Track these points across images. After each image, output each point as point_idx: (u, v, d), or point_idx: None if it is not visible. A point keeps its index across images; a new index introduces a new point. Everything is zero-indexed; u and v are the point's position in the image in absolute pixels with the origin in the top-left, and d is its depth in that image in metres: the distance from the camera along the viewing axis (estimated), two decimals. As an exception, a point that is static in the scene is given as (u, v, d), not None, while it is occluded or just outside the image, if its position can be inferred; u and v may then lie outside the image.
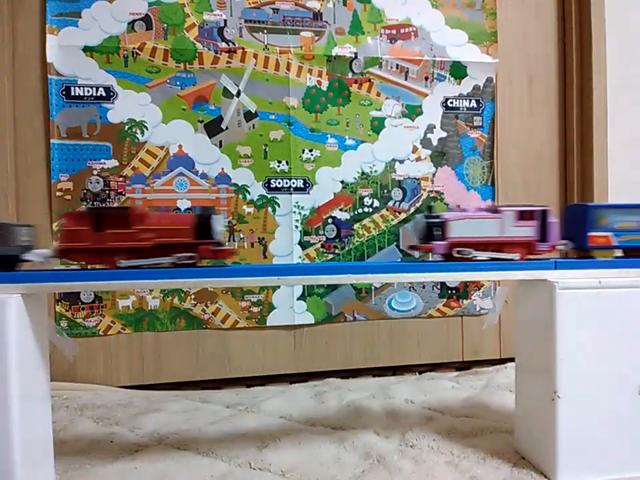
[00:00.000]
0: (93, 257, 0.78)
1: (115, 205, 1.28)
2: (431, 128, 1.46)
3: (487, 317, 1.49)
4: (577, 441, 0.83)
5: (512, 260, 0.86)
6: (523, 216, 0.86)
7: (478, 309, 1.48)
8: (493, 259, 0.87)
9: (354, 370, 1.43)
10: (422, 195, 1.46)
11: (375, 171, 1.43)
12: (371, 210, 1.42)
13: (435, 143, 1.46)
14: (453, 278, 0.84)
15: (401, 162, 1.44)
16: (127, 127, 1.30)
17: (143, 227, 0.78)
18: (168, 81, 1.32)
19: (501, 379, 1.33)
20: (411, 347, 1.45)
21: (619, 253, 0.92)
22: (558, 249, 0.90)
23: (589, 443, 0.83)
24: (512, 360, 0.96)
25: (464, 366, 1.49)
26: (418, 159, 1.45)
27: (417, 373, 1.46)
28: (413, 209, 1.45)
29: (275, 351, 1.38)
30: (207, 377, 1.35)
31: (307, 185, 1.38)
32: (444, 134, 1.47)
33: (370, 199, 1.43)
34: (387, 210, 1.44)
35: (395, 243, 1.44)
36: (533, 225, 0.86)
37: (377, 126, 1.43)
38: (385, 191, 1.43)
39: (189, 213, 0.85)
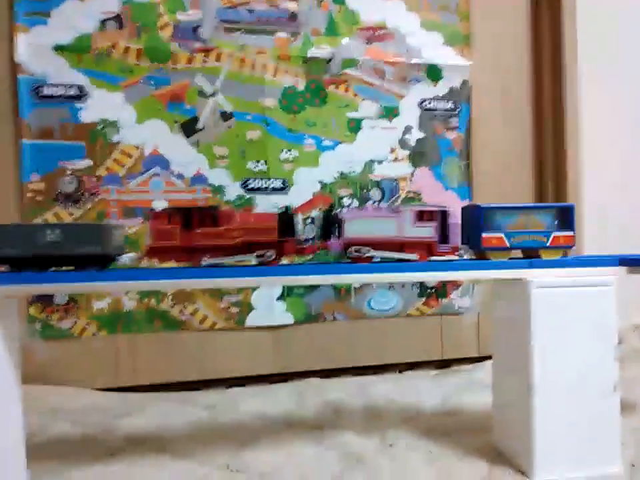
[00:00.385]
0: (182, 255, 0.80)
1: (89, 205, 1.26)
2: (408, 129, 1.47)
3: (465, 315, 1.50)
4: (553, 437, 0.83)
5: (410, 260, 0.85)
6: (423, 216, 0.85)
7: (457, 307, 1.49)
8: (388, 259, 0.86)
9: (335, 370, 1.42)
10: (400, 195, 1.46)
11: (354, 172, 1.43)
12: (349, 210, 1.42)
13: (412, 143, 1.47)
14: (432, 278, 0.84)
15: (379, 162, 1.45)
16: (100, 127, 1.28)
17: (231, 226, 0.79)
18: (142, 80, 1.30)
19: (480, 376, 1.34)
20: (391, 345, 1.46)
21: (517, 254, 0.91)
22: (458, 251, 0.88)
23: (565, 439, 0.84)
24: (491, 358, 0.96)
25: (444, 364, 1.50)
26: (396, 160, 1.46)
27: (397, 372, 1.46)
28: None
29: (254, 352, 1.36)
30: (185, 379, 1.33)
31: (285, 185, 1.38)
32: (421, 135, 1.48)
33: (349, 199, 1.43)
34: (365, 210, 1.44)
35: (374, 243, 1.44)
36: (433, 226, 0.84)
37: (354, 127, 1.43)
38: (364, 191, 1.44)
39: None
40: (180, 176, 1.32)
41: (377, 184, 1.44)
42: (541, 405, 0.83)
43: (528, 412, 0.83)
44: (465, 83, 1.51)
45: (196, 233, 0.79)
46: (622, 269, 0.90)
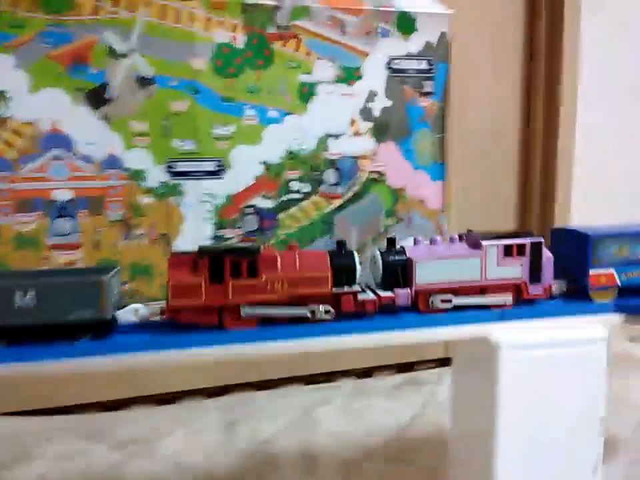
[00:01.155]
0: (208, 316, 0.62)
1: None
2: (372, 95, 1.22)
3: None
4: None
5: (499, 306, 0.68)
6: (511, 251, 0.67)
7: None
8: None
9: (284, 379, 1.26)
10: (360, 176, 1.24)
11: (304, 150, 1.19)
12: (299, 196, 1.20)
13: (376, 113, 1.22)
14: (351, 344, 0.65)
15: (336, 137, 1.21)
16: (-19, 98, 1.02)
17: (274, 275, 0.62)
18: (35, 37, 1.03)
19: (443, 390, 1.18)
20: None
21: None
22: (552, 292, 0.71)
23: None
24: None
25: (407, 366, 1.34)
26: (356, 134, 1.22)
27: (354, 377, 1.30)
28: (350, 194, 1.23)
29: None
30: (110, 398, 1.15)
31: (221, 167, 1.14)
32: (388, 103, 1.23)
33: (298, 183, 1.20)
34: (319, 195, 1.21)
35: (329, 235, 1.23)
36: (523, 263, 0.68)
37: (307, 93, 1.18)
38: (317, 172, 1.20)
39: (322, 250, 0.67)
40: (87, 158, 1.07)
41: (333, 163, 1.21)
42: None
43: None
44: (443, 37, 1.24)
45: (228, 287, 0.61)
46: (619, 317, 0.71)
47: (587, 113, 1.32)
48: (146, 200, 1.11)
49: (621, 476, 0.90)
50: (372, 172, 1.24)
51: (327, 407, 1.12)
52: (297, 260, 0.64)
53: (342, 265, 0.64)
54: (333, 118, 1.20)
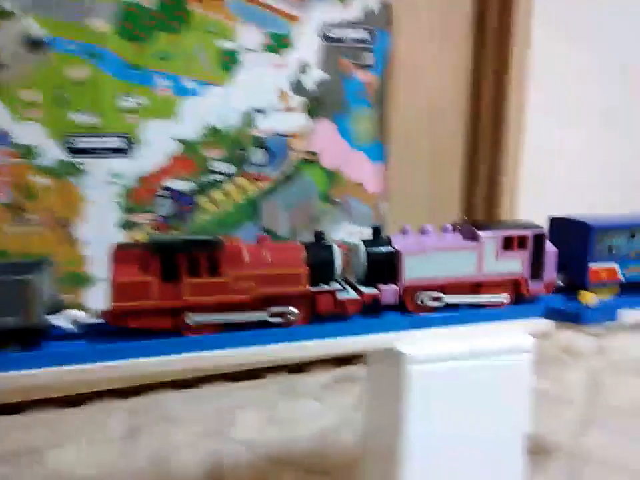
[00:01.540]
0: (160, 319, 0.53)
1: None
2: (304, 67, 1.10)
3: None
4: None
5: (496, 305, 0.61)
6: (512, 244, 0.60)
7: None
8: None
9: (208, 377, 1.15)
10: (292, 156, 1.12)
11: (228, 125, 1.07)
12: (222, 178, 1.08)
13: (309, 87, 1.11)
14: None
15: (264, 113, 1.09)
16: None
17: (240, 272, 0.53)
18: None
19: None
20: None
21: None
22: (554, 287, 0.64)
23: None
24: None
25: (346, 359, 1.24)
26: (287, 109, 1.10)
27: (286, 372, 1.20)
28: (280, 176, 1.12)
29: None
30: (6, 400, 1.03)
31: (129, 144, 1.01)
32: (322, 75, 1.11)
33: (220, 163, 1.08)
34: (245, 177, 1.10)
35: (256, 221, 1.11)
36: (524, 257, 0.61)
37: (229, 63, 1.05)
38: (242, 152, 1.09)
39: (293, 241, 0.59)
40: (-32, 133, 0.94)
41: (260, 142, 1.09)
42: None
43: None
44: (384, 3, 1.12)
45: (185, 286, 0.52)
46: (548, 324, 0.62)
47: (539, 93, 1.22)
48: (40, 181, 0.97)
49: (560, 476, 0.83)
50: (305, 152, 1.13)
51: (247, 411, 1.02)
52: (267, 254, 0.55)
53: (319, 260, 0.56)
54: (260, 91, 1.08)
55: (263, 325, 0.55)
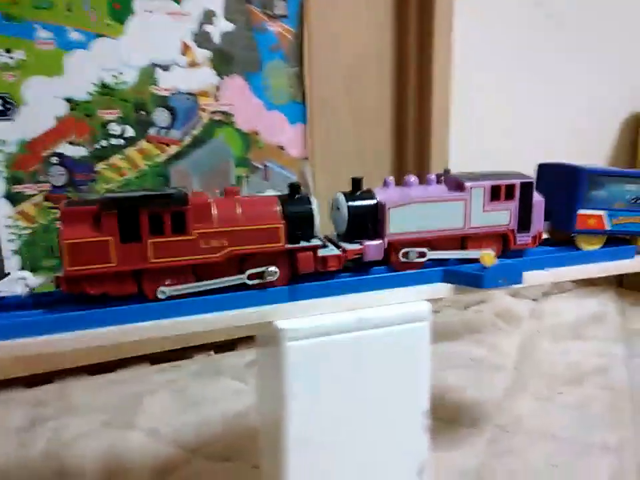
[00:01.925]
0: (122, 284, 0.47)
1: None
2: (208, 16, 0.99)
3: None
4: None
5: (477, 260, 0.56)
6: (499, 193, 0.57)
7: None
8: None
9: (127, 359, 1.06)
10: (201, 117, 1.02)
11: (124, 83, 0.96)
12: (122, 142, 0.98)
13: (216, 39, 1.00)
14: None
15: (165, 68, 0.98)
16: None
17: (209, 229, 0.47)
18: None
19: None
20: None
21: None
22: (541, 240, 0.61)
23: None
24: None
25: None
26: (192, 64, 1.00)
27: (211, 352, 1.12)
28: (189, 139, 1.02)
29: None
30: None
31: (8, 106, 0.90)
32: (230, 27, 1.01)
33: (119, 125, 0.97)
34: (149, 141, 0.99)
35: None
36: (511, 208, 0.57)
37: (122, 11, 0.94)
38: (143, 113, 0.98)
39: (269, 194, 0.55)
40: None
41: (164, 101, 0.99)
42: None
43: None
44: (297, -54, 1.02)
45: (148, 246, 0.46)
46: (448, 288, 0.55)
47: (465, 48, 1.15)
48: None
49: (485, 441, 0.78)
50: (215, 112, 1.03)
51: (159, 395, 0.94)
52: (238, 208, 0.49)
53: (297, 214, 0.50)
54: (159, 44, 0.97)
55: (237, 285, 0.49)
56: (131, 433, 0.83)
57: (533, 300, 1.33)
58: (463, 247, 0.57)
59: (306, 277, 0.51)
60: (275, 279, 0.49)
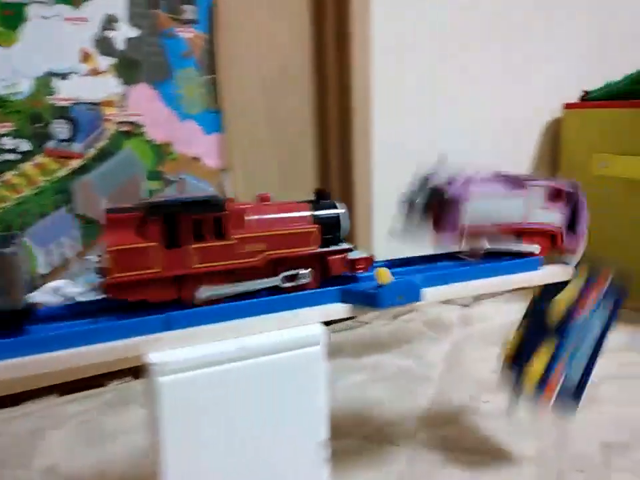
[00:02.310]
0: (164, 290, 0.46)
1: None
2: (110, 21, 0.94)
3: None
4: None
5: (531, 254, 0.62)
6: (555, 195, 0.63)
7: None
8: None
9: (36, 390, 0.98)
10: (106, 128, 0.96)
11: (18, 93, 0.89)
12: (16, 157, 0.90)
13: (120, 45, 0.95)
14: None
15: (63, 77, 0.92)
16: None
17: (247, 234, 0.48)
18: None
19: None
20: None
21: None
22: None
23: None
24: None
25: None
26: (94, 72, 0.94)
27: (129, 379, 1.05)
28: (93, 152, 0.96)
29: None
30: None
31: None
32: (134, 32, 0.95)
33: (12, 139, 0.90)
34: (47, 155, 0.93)
35: (68, 206, 0.95)
36: (562, 210, 0.63)
37: (14, 17, 0.87)
38: (40, 125, 0.91)
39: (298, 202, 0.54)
40: None
41: (63, 112, 0.92)
42: None
43: None
44: (205, -52, 0.98)
45: (188, 251, 0.46)
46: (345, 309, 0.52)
47: (385, 48, 1.13)
48: None
49: (401, 466, 0.75)
50: (122, 122, 0.97)
51: (64, 430, 0.87)
52: (272, 214, 0.51)
53: (327, 219, 0.52)
54: (56, 51, 0.90)
55: (271, 289, 0.51)
56: (25, 473, 0.76)
57: (465, 306, 1.32)
58: (519, 240, 0.62)
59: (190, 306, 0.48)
60: (308, 281, 0.51)
